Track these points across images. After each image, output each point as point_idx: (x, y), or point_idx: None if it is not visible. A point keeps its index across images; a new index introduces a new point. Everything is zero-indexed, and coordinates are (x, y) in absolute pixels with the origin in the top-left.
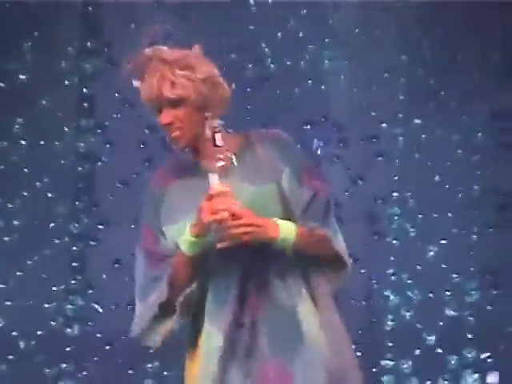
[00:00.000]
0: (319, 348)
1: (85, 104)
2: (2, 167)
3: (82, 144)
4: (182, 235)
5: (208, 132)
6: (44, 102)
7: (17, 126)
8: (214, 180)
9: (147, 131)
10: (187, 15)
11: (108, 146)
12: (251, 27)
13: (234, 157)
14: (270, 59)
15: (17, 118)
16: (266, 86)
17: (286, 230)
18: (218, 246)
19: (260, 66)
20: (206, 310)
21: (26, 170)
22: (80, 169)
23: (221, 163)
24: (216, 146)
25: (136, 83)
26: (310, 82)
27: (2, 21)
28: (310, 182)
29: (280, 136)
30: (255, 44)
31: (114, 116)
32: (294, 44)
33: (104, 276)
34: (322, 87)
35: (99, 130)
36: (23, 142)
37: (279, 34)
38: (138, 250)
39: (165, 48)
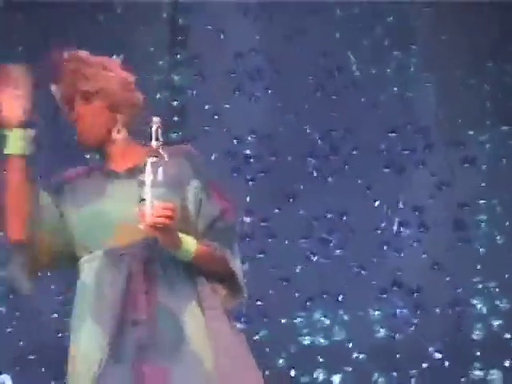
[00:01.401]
0: (201, 357)
1: (175, 117)
2: None
3: None
4: (77, 219)
5: (115, 135)
6: None
7: None
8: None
9: (235, 142)
10: (274, 23)
11: None
12: (337, 34)
13: (165, 154)
14: (355, 66)
15: None
16: (351, 92)
17: (187, 246)
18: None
19: (345, 73)
20: (88, 306)
21: None
22: None
23: (153, 159)
24: (156, 139)
25: (53, 87)
26: (395, 89)
27: (93, 35)
28: (218, 198)
29: (192, 151)
30: (341, 51)
31: (204, 128)
32: (379, 51)
33: None
34: (408, 94)
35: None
36: None
37: (365, 42)
38: None
39: (83, 51)
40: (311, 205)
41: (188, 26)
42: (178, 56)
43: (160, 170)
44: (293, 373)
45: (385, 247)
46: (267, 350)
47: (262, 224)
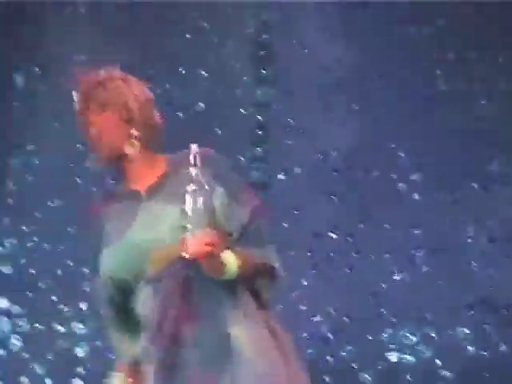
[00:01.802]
0: (250, 368)
1: (259, 132)
2: None
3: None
4: (110, 258)
5: (128, 149)
6: (219, 130)
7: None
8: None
9: (320, 157)
10: (358, 36)
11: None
12: (423, 47)
13: (204, 182)
14: (441, 80)
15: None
16: (438, 107)
17: (231, 268)
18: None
19: (432, 87)
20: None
21: None
22: None
23: (193, 187)
24: (195, 165)
25: (75, 95)
26: (483, 102)
27: (179, 50)
28: (245, 201)
29: (213, 155)
30: (428, 64)
31: (288, 143)
32: (463, 65)
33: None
34: (495, 109)
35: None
36: None
37: (450, 55)
38: None
39: (116, 69)
40: (396, 220)
41: (272, 41)
42: (263, 71)
43: (200, 198)
44: None
45: (473, 263)
46: (354, 365)
47: (348, 239)
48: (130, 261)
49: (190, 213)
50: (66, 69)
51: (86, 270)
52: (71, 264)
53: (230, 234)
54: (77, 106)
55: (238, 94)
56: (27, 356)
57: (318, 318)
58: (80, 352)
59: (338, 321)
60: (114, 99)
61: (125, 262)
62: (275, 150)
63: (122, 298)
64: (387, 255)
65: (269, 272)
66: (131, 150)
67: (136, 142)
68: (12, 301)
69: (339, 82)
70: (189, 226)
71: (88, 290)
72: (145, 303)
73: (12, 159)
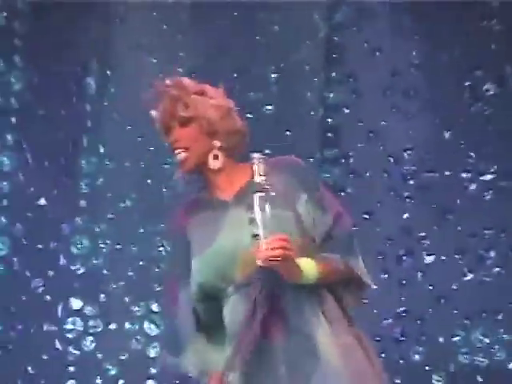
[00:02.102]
0: (338, 375)
1: (329, 134)
2: None
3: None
4: (201, 265)
5: (211, 162)
6: (288, 133)
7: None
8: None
9: (391, 160)
10: (429, 39)
11: (352, 176)
12: (493, 46)
13: (272, 192)
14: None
15: (264, 149)
16: (506, 105)
17: (308, 273)
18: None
19: (503, 87)
20: (227, 335)
21: None
22: None
23: (260, 194)
24: (260, 175)
25: (153, 113)
26: None
27: (250, 50)
28: (330, 208)
29: (297, 162)
30: (498, 63)
31: (359, 145)
32: None
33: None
34: None
35: (343, 160)
36: None
37: None
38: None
39: (185, 78)
40: (469, 221)
41: (343, 43)
42: (333, 74)
43: (267, 205)
44: None
45: None
46: (426, 368)
47: (421, 241)
48: (220, 266)
49: (258, 221)
50: (137, 71)
51: (157, 270)
52: (143, 264)
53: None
54: (158, 125)
55: (308, 96)
56: (100, 356)
57: (389, 321)
58: (152, 353)
59: (409, 323)
60: (195, 114)
61: (215, 268)
62: (345, 153)
63: (210, 307)
64: (459, 256)
65: (355, 281)
66: (216, 163)
67: (220, 154)
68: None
69: (410, 85)
70: (259, 233)
71: (159, 289)
72: (233, 310)
73: (84, 161)
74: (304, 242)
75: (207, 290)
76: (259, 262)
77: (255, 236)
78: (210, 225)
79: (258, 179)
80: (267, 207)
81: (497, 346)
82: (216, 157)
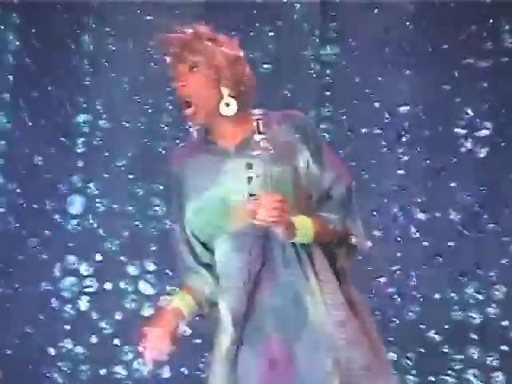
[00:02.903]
0: (324, 333)
1: (326, 92)
2: None
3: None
4: (196, 211)
5: (224, 109)
6: (286, 91)
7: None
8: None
9: (387, 116)
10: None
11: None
12: (488, 0)
13: (272, 149)
14: (508, 35)
15: (261, 107)
16: (506, 64)
17: (303, 233)
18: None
19: (500, 44)
20: (219, 292)
21: None
22: None
23: (257, 152)
24: (259, 132)
25: (168, 59)
26: None
27: (243, 12)
28: (331, 164)
29: (299, 117)
30: (493, 18)
31: (354, 102)
32: None
33: None
34: None
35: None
36: None
37: None
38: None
39: (200, 25)
40: (463, 178)
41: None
42: (329, 32)
43: (266, 164)
44: (446, 349)
45: None
46: (420, 326)
47: (414, 199)
48: (215, 214)
49: (255, 179)
50: (135, 28)
51: (153, 230)
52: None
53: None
54: (170, 66)
55: (304, 53)
56: (96, 316)
57: (384, 279)
58: (147, 312)
59: (403, 281)
60: (203, 59)
61: (210, 215)
62: (341, 110)
63: (202, 250)
64: (453, 213)
65: (349, 240)
66: (227, 110)
67: (232, 101)
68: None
69: (406, 40)
70: (255, 192)
71: (154, 249)
72: (226, 262)
73: (79, 119)
74: (300, 199)
75: (199, 234)
76: (255, 222)
77: (252, 195)
78: (207, 171)
79: (257, 137)
80: (265, 167)
81: (493, 304)
82: (228, 104)
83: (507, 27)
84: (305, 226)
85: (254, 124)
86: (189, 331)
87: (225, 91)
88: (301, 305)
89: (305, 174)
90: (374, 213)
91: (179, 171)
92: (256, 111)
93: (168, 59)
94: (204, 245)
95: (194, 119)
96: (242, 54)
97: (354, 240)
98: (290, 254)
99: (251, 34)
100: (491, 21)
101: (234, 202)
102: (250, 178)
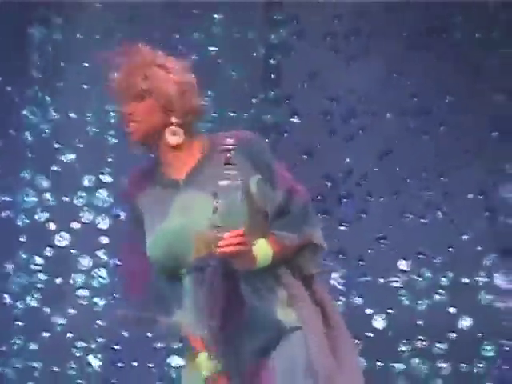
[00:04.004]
0: (300, 345)
1: (272, 75)
2: None
3: (268, 116)
4: (154, 246)
5: (170, 138)
6: (233, 73)
7: (206, 99)
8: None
9: (333, 101)
10: None
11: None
12: None
13: (240, 180)
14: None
15: (209, 90)
16: (451, 50)
17: (263, 259)
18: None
19: (449, 31)
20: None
21: None
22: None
23: (225, 182)
24: (229, 163)
25: (112, 75)
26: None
27: None
28: (283, 184)
29: (248, 139)
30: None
31: (301, 86)
32: None
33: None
34: None
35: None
36: (214, 115)
37: None
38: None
39: (148, 48)
40: (408, 162)
41: None
42: (276, 15)
43: (232, 196)
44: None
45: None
46: (367, 311)
47: (361, 182)
48: (170, 247)
49: (219, 210)
50: (84, 19)
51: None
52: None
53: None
54: (113, 91)
55: (250, 36)
56: (53, 227)
57: (329, 263)
58: (102, 224)
59: (349, 265)
60: (153, 87)
61: (165, 248)
62: (287, 94)
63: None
64: (397, 197)
65: (310, 247)
66: (174, 139)
67: (179, 130)
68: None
69: (351, 27)
70: (218, 223)
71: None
72: (192, 295)
73: (27, 111)
74: (258, 222)
75: (159, 267)
76: (216, 252)
77: (216, 227)
78: (159, 203)
79: (228, 170)
80: (231, 198)
81: (441, 291)
82: (174, 133)
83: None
84: (264, 252)
85: (228, 154)
86: None
87: (173, 120)
88: (273, 322)
89: (258, 194)
90: (319, 197)
91: (134, 201)
92: (230, 141)
93: (111, 83)
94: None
95: (132, 136)
96: (193, 79)
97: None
98: (253, 277)
99: (197, 15)
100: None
101: (189, 233)
102: (215, 208)
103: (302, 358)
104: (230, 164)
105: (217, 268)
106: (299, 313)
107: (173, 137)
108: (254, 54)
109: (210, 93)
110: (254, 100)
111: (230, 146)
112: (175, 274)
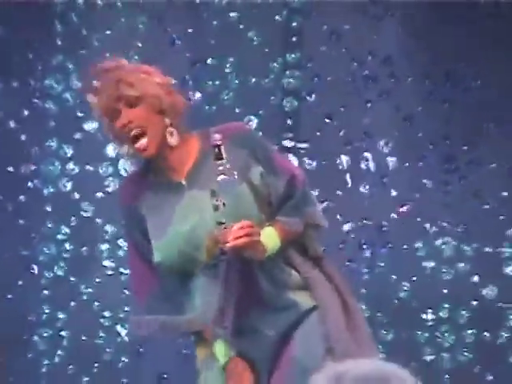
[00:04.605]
0: (318, 324)
1: (293, 38)
2: (214, 108)
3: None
4: (164, 251)
5: (170, 139)
6: (254, 37)
7: (228, 65)
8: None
9: (355, 63)
10: None
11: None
12: None
13: (235, 172)
14: None
15: (228, 54)
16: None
17: (272, 246)
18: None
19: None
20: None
21: (236, 109)
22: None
23: (222, 177)
24: (219, 159)
25: (90, 98)
26: None
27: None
28: (283, 170)
29: (241, 130)
30: None
31: (322, 49)
32: None
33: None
34: None
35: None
36: (236, 82)
37: None
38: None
39: (121, 60)
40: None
41: None
42: None
43: (231, 189)
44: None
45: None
46: (393, 277)
47: (382, 147)
48: (181, 250)
49: (222, 206)
50: None
51: None
52: None
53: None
54: (100, 112)
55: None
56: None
57: (353, 228)
58: None
59: (373, 230)
60: (142, 92)
61: (176, 252)
62: (308, 57)
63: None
64: (420, 163)
65: (312, 228)
66: (173, 140)
67: (174, 131)
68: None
69: None
70: (222, 220)
71: None
72: (204, 294)
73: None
74: (263, 211)
75: (170, 268)
76: (225, 248)
77: (221, 223)
78: (164, 206)
79: (219, 165)
80: (230, 191)
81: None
82: (171, 134)
83: None
84: (272, 239)
85: (216, 150)
86: None
87: (167, 121)
88: (291, 303)
89: (261, 186)
90: (338, 160)
91: (135, 209)
92: (217, 136)
93: (94, 99)
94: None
95: (146, 151)
96: (171, 80)
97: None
98: (266, 265)
99: None
100: None
101: (199, 234)
102: (216, 206)
103: (320, 336)
104: (220, 159)
105: (230, 261)
106: (315, 292)
107: (171, 138)
108: (277, 18)
109: (231, 59)
110: (275, 64)
111: (219, 142)
112: (186, 274)
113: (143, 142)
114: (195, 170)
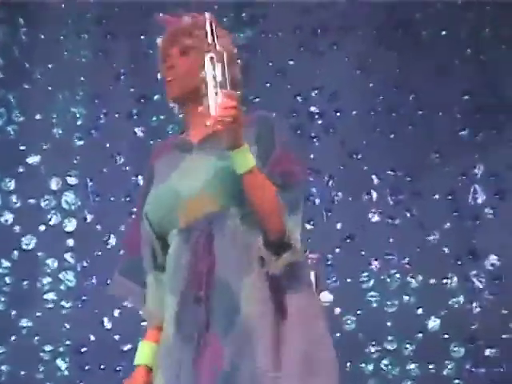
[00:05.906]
0: (254, 324)
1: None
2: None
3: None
4: (151, 200)
5: (203, 94)
6: None
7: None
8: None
9: (299, 99)
10: None
11: None
12: None
13: (222, 49)
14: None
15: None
16: (417, 49)
17: (247, 153)
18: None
19: (412, 27)
20: (168, 278)
21: None
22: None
23: (211, 54)
24: (211, 35)
25: (159, 40)
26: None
27: None
28: (277, 165)
29: (263, 116)
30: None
31: (267, 85)
32: None
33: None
34: None
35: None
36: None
37: None
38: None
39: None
40: (376, 162)
41: None
42: (243, 15)
43: (219, 66)
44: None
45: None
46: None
47: (329, 182)
48: (167, 207)
49: (209, 81)
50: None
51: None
52: None
53: None
54: (160, 49)
55: None
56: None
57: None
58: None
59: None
60: (198, 45)
61: (163, 208)
62: (254, 93)
63: (160, 247)
64: (365, 196)
65: (282, 242)
66: (206, 102)
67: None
68: None
69: (320, 24)
70: (209, 93)
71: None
72: (176, 251)
73: None
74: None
75: (155, 226)
76: (208, 123)
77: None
78: (170, 166)
79: (209, 39)
80: (218, 67)
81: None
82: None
83: None
84: (248, 151)
85: (207, 26)
86: None
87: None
88: (237, 300)
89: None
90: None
91: (151, 167)
92: (208, 15)
93: (159, 41)
94: (160, 241)
95: (170, 88)
96: (235, 51)
97: (292, 243)
98: (232, 250)
99: None
100: None
101: (185, 196)
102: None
103: (247, 358)
104: (211, 35)
105: (203, 231)
106: (256, 307)
107: (206, 101)
108: None
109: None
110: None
111: (209, 19)
112: (165, 235)
113: (170, 78)
114: (212, 138)
